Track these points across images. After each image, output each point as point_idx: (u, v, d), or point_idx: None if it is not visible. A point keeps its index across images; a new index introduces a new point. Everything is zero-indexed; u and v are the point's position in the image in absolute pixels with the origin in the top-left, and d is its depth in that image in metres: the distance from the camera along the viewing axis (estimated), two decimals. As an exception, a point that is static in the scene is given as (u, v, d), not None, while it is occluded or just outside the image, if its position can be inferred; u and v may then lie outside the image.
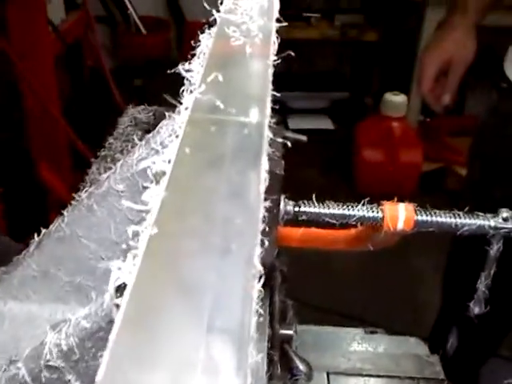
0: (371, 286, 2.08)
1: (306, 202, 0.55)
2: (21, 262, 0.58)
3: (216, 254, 0.23)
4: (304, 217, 0.54)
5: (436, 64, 1.15)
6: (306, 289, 1.76)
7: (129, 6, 2.82)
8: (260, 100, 0.30)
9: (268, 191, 0.52)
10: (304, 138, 1.17)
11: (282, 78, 3.20)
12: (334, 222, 0.54)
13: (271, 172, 0.51)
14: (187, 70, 0.38)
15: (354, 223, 0.55)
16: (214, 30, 0.37)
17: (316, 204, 0.54)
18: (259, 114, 0.30)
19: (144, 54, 2.82)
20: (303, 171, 2.72)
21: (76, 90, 2.75)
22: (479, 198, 1.21)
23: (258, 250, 0.24)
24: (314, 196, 0.55)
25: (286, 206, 0.54)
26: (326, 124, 3.06)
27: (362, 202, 0.55)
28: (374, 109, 2.78)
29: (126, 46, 2.93)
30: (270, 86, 0.32)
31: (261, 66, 0.33)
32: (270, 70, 0.34)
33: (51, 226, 0.55)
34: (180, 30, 3.04)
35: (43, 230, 0.55)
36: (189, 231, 0.24)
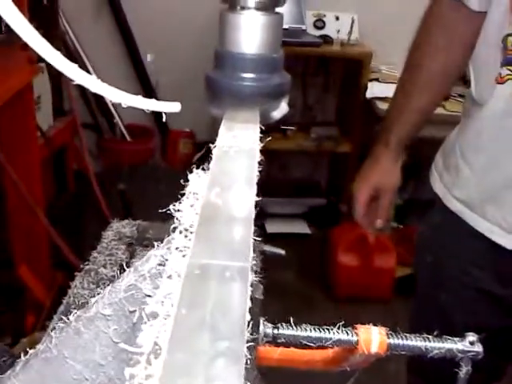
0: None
1: (284, 324, 0.57)
2: (5, 381, 0.58)
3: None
4: (282, 339, 0.57)
5: (365, 193, 1.26)
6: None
7: (115, 114, 2.95)
8: (244, 248, 0.34)
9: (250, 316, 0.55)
10: (282, 251, 1.21)
11: (261, 184, 3.30)
12: (312, 344, 0.56)
13: (252, 296, 0.55)
14: (177, 210, 0.42)
15: (330, 346, 0.57)
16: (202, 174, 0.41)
17: (294, 327, 0.57)
18: (244, 261, 0.34)
19: (128, 160, 2.91)
20: (280, 274, 2.75)
21: (60, 193, 2.80)
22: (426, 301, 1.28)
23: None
24: (291, 318, 0.58)
25: (265, 328, 0.57)
26: (302, 228, 3.14)
27: (338, 325, 0.58)
28: (348, 215, 2.86)
29: (111, 151, 3.03)
30: (251, 237, 0.36)
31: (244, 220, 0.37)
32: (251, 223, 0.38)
33: (39, 346, 0.56)
34: (163, 138, 3.15)
35: (30, 351, 0.57)
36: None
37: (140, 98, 0.40)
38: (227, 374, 0.22)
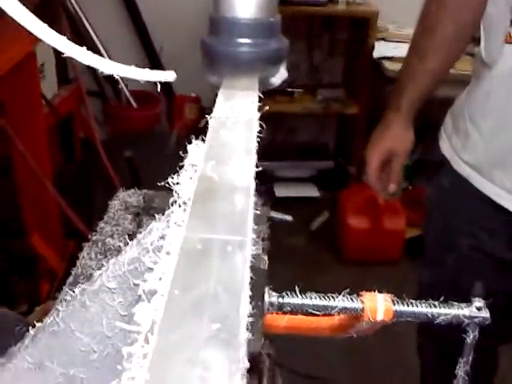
0: (359, 353, 2.07)
1: (289, 293, 0.57)
2: (15, 354, 0.59)
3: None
4: (288, 308, 0.56)
5: (377, 158, 1.25)
6: (295, 356, 1.75)
7: (120, 80, 2.92)
8: (243, 222, 0.33)
9: (253, 286, 0.55)
10: (289, 218, 1.21)
11: (269, 149, 3.29)
12: (317, 312, 0.56)
13: (255, 268, 0.55)
14: (176, 183, 0.42)
15: (336, 314, 0.57)
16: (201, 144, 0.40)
17: (299, 295, 0.57)
18: (243, 235, 0.33)
19: (134, 127, 2.89)
20: (289, 237, 2.76)
21: (68, 161, 2.81)
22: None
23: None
24: (297, 288, 0.58)
25: (271, 297, 0.56)
26: (311, 192, 3.13)
27: (343, 293, 0.58)
28: (357, 177, 2.85)
29: (117, 118, 3.01)
30: (252, 209, 0.35)
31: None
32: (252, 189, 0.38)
33: (45, 320, 0.57)
34: (169, 104, 3.13)
35: (38, 324, 0.57)
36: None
37: (133, 68, 0.39)
38: (219, 355, 0.22)
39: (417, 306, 0.57)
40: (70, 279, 0.87)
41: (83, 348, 0.56)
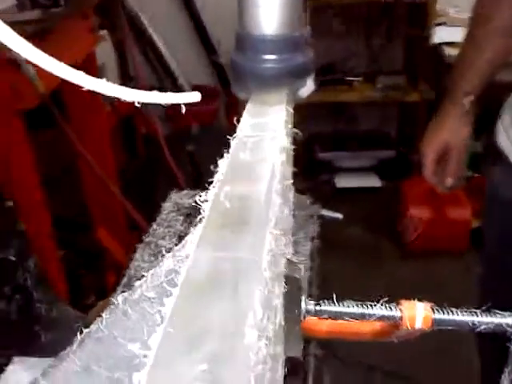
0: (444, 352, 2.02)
1: (326, 301, 0.57)
2: (65, 357, 0.62)
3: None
4: (325, 315, 0.57)
5: (434, 152, 1.21)
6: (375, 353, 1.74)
7: (180, 76, 2.97)
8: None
9: (288, 296, 0.56)
10: (340, 216, 1.21)
11: (329, 139, 3.26)
12: (354, 320, 0.56)
13: (290, 277, 0.55)
14: (203, 201, 0.43)
15: (373, 321, 0.57)
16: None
17: (336, 303, 0.57)
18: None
19: (194, 122, 2.94)
20: (350, 228, 2.73)
21: (131, 158, 2.90)
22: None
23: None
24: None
25: (307, 305, 0.57)
26: (373, 182, 3.08)
27: (381, 301, 0.57)
28: (420, 166, 2.78)
29: (178, 113, 3.06)
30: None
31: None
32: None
33: (92, 327, 0.59)
34: (228, 98, 3.16)
35: (85, 330, 0.60)
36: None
37: (156, 93, 0.40)
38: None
39: (457, 315, 0.56)
40: (125, 280, 0.91)
41: (126, 354, 0.58)
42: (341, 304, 0.57)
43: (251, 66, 0.47)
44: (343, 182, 3.06)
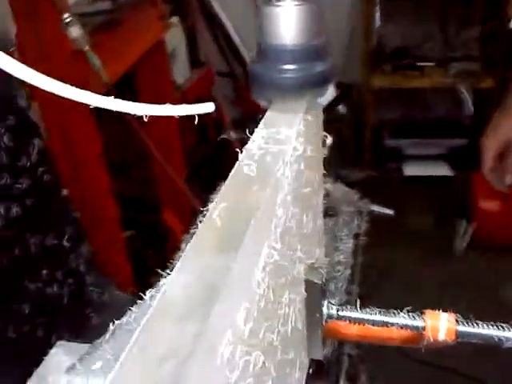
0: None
1: (348, 306, 0.57)
2: (100, 345, 0.66)
3: None
4: (347, 321, 0.57)
5: (494, 148, 1.16)
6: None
7: (249, 62, 2.98)
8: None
9: (308, 301, 0.56)
10: (390, 211, 1.18)
11: (399, 125, 3.18)
12: (374, 330, 0.56)
13: (310, 282, 0.56)
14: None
15: (395, 330, 0.56)
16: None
17: (358, 309, 0.57)
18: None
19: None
20: (418, 219, 2.67)
21: (201, 142, 2.95)
22: None
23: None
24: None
25: (329, 310, 0.57)
26: (443, 171, 2.99)
27: (405, 309, 0.56)
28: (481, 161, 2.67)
29: (247, 98, 3.08)
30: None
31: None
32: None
33: (123, 319, 0.63)
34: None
35: (116, 322, 0.63)
36: None
37: (168, 106, 0.42)
38: None
39: (483, 328, 0.54)
40: (168, 272, 0.94)
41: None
42: (363, 310, 0.57)
43: (270, 75, 0.47)
44: (412, 170, 2.99)
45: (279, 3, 0.44)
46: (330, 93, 0.48)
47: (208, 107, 0.43)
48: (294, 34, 0.45)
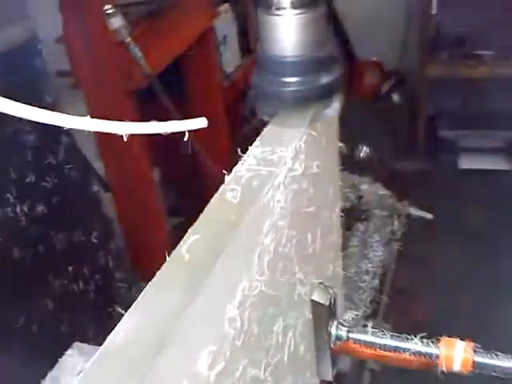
0: None
1: (359, 328, 0.55)
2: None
3: None
4: (357, 344, 0.54)
5: None
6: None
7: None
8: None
9: (315, 322, 0.53)
10: (429, 215, 1.13)
11: (455, 117, 3.05)
12: (388, 353, 0.53)
13: (316, 303, 0.53)
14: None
15: (408, 356, 0.53)
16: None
17: (369, 332, 0.54)
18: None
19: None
20: (472, 215, 2.56)
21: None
22: None
23: None
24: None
25: (339, 331, 0.54)
26: (501, 164, 2.85)
27: (420, 335, 0.53)
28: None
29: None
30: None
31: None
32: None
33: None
34: (350, 68, 3.07)
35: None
36: None
37: (161, 123, 0.39)
38: None
39: (502, 360, 0.50)
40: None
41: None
42: (374, 334, 0.54)
43: (273, 89, 0.44)
44: (468, 162, 2.87)
45: (279, 12, 0.41)
46: (336, 104, 0.45)
47: (200, 123, 0.41)
48: (298, 45, 0.42)
